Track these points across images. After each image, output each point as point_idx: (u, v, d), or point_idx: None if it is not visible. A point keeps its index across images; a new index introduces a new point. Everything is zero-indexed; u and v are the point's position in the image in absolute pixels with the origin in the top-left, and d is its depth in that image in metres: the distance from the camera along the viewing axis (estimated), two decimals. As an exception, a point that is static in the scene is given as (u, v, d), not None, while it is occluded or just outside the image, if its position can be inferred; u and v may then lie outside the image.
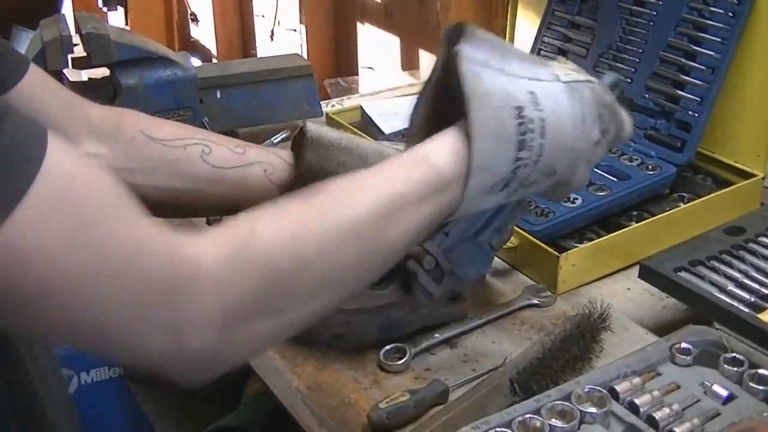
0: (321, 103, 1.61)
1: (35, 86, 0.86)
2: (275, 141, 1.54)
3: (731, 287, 0.97)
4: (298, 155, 0.94)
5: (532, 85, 0.74)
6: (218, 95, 1.48)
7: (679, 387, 0.84)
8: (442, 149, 0.71)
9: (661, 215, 1.16)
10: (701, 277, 0.99)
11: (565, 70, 0.79)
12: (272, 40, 3.02)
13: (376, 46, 2.45)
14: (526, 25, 1.59)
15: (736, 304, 0.94)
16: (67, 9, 3.32)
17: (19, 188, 0.51)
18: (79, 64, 1.38)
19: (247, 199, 0.93)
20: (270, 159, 0.95)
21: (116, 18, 3.20)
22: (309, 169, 0.92)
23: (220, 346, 0.57)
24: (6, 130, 0.51)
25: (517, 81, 0.73)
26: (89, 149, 0.91)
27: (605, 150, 0.82)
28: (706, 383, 0.83)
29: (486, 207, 0.75)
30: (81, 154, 0.59)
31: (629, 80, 1.34)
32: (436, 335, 0.97)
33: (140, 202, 0.94)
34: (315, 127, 0.94)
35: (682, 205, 1.19)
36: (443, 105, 0.77)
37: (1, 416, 0.73)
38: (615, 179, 1.22)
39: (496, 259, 1.14)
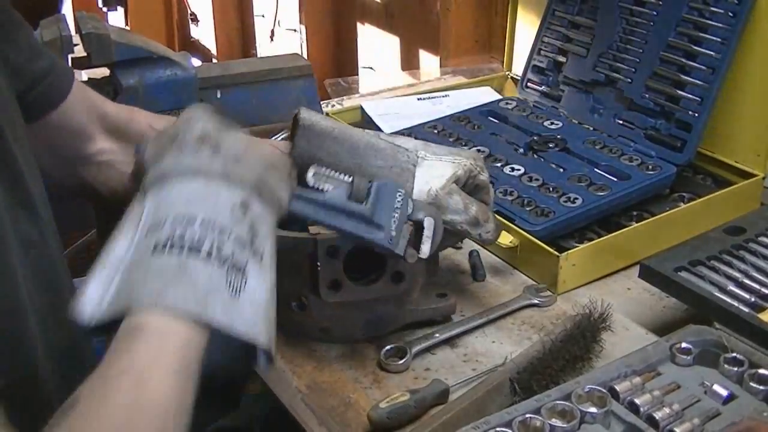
0: (321, 103, 1.61)
1: (77, 93, 0.93)
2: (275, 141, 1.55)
3: (731, 287, 0.97)
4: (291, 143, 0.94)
5: (142, 231, 0.68)
6: (218, 95, 1.48)
7: (679, 387, 0.84)
8: (141, 315, 0.64)
9: (661, 215, 1.16)
10: (701, 277, 0.99)
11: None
12: (272, 40, 3.02)
13: (376, 46, 2.45)
14: (526, 25, 1.60)
15: (736, 304, 0.94)
16: (67, 9, 3.32)
17: None
18: (79, 64, 1.38)
19: None
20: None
21: (116, 18, 3.20)
22: (300, 156, 0.93)
23: None
24: None
25: (131, 253, 0.67)
26: (103, 147, 0.97)
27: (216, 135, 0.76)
28: (706, 383, 0.83)
29: (266, 289, 0.70)
30: None
31: (629, 80, 1.34)
32: (437, 335, 0.97)
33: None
34: (309, 115, 0.95)
35: (682, 205, 1.20)
36: None
37: None
38: (615, 179, 1.22)
39: (496, 258, 1.15)
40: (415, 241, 0.87)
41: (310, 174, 0.85)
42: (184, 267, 0.65)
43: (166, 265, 0.65)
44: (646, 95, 1.31)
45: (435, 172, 0.95)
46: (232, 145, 0.75)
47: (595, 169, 1.25)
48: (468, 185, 0.98)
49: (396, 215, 0.85)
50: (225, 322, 0.64)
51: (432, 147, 0.99)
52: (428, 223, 0.87)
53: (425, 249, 0.87)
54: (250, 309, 0.67)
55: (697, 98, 1.24)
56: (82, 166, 0.96)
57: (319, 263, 0.91)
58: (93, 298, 0.65)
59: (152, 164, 0.73)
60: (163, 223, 0.68)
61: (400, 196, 0.87)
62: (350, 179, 0.86)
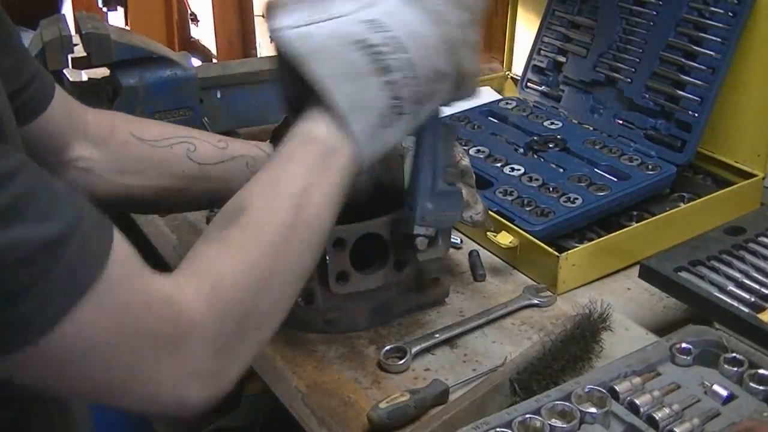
0: (321, 103, 1.61)
1: (58, 99, 0.92)
2: (275, 141, 1.55)
3: (731, 287, 0.97)
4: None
5: (368, 14, 0.74)
6: (218, 95, 1.48)
7: (679, 387, 0.84)
8: (315, 121, 0.72)
9: (661, 215, 1.16)
10: (701, 277, 0.99)
11: None
12: (272, 40, 3.01)
13: (376, 46, 2.45)
14: (526, 25, 1.60)
15: (736, 304, 0.94)
16: (67, 9, 3.32)
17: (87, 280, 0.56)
18: (79, 64, 1.38)
19: (232, 191, 0.97)
20: (252, 152, 1.00)
21: (116, 18, 3.20)
22: None
23: (216, 386, 0.64)
24: (82, 229, 0.57)
25: (347, 19, 0.73)
26: (82, 154, 0.95)
27: (473, 22, 0.80)
28: (706, 383, 0.83)
29: (397, 139, 0.76)
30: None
31: (629, 80, 1.34)
32: (437, 335, 0.98)
33: (131, 201, 0.97)
34: None
35: (682, 205, 1.19)
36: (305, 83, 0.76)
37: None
38: (615, 179, 1.22)
39: (496, 258, 1.15)
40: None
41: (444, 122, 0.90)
42: (368, 74, 0.71)
43: (358, 60, 0.71)
44: (646, 95, 1.31)
45: None
46: (477, 33, 0.80)
47: (595, 169, 1.25)
48: None
49: (441, 217, 0.90)
50: (358, 137, 0.71)
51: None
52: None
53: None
54: (377, 145, 0.74)
55: (697, 98, 1.24)
56: (63, 172, 0.95)
57: (327, 256, 0.92)
58: (294, 17, 0.72)
59: None
60: (385, 30, 0.73)
61: (454, 214, 0.93)
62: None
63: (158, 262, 1.23)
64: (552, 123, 1.39)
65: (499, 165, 1.27)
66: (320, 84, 0.71)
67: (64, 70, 1.41)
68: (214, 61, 3.22)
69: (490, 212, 1.13)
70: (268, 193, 0.71)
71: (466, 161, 1.03)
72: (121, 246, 0.61)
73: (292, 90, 0.77)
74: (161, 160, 0.97)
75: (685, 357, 0.86)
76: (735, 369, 0.84)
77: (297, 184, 0.70)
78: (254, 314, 0.66)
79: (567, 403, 0.79)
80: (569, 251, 1.07)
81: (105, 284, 0.57)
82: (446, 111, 0.91)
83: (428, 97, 0.76)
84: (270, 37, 0.74)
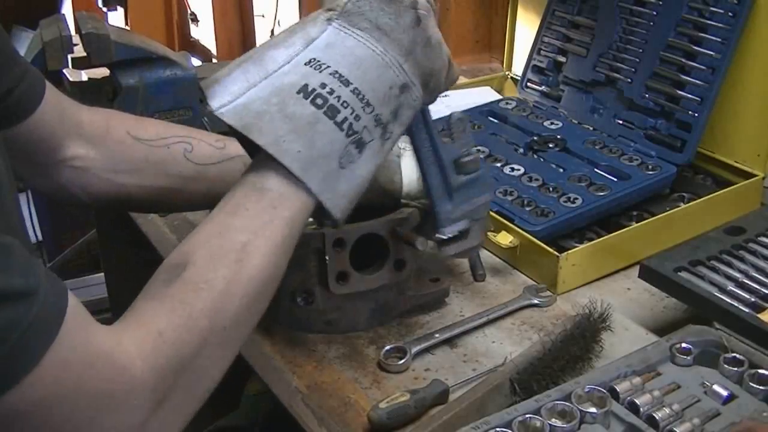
0: (321, 103, 1.61)
1: (50, 100, 0.90)
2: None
3: (731, 287, 0.97)
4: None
5: (307, 54, 0.73)
6: (218, 95, 1.48)
7: (679, 387, 0.84)
8: (266, 171, 0.71)
9: (661, 215, 1.16)
10: (701, 277, 0.99)
11: (335, 3, 0.76)
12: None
13: (376, 46, 2.45)
14: (526, 25, 1.60)
15: (736, 304, 0.94)
16: (67, 9, 3.32)
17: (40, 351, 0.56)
18: (79, 64, 1.38)
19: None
20: None
21: (116, 18, 3.20)
22: None
23: None
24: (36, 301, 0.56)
25: (285, 69, 0.72)
26: (77, 153, 0.94)
27: (431, 16, 0.78)
28: (706, 383, 0.83)
29: (370, 168, 0.75)
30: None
31: (629, 80, 1.34)
32: (437, 335, 0.98)
33: (127, 200, 0.97)
34: None
35: (682, 205, 1.19)
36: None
37: None
38: (615, 179, 1.22)
39: (496, 258, 1.15)
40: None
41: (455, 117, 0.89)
42: (314, 122, 0.70)
43: (301, 112, 0.70)
44: (646, 95, 1.31)
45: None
46: (431, 27, 0.77)
47: (595, 169, 1.25)
48: None
49: (469, 207, 0.89)
50: (316, 190, 0.71)
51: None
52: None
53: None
54: (346, 185, 0.73)
55: (697, 98, 1.24)
56: (57, 171, 0.94)
57: (327, 256, 0.92)
58: (230, 90, 0.71)
59: None
60: (323, 68, 0.72)
61: (485, 198, 0.91)
62: (474, 151, 0.89)
63: (158, 262, 1.23)
64: (552, 123, 1.39)
65: (499, 165, 1.27)
66: (268, 151, 0.70)
67: (64, 70, 1.41)
68: (214, 61, 3.22)
69: (490, 212, 1.13)
70: (211, 247, 0.69)
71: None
72: (71, 303, 0.60)
73: (248, 144, 0.76)
74: (158, 160, 0.96)
75: (685, 357, 0.86)
76: (735, 369, 0.84)
77: (240, 238, 0.69)
78: (195, 369, 0.66)
79: (567, 403, 0.79)
80: (569, 251, 1.07)
81: (56, 344, 0.57)
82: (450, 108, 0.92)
83: (393, 114, 0.75)
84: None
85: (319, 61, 0.72)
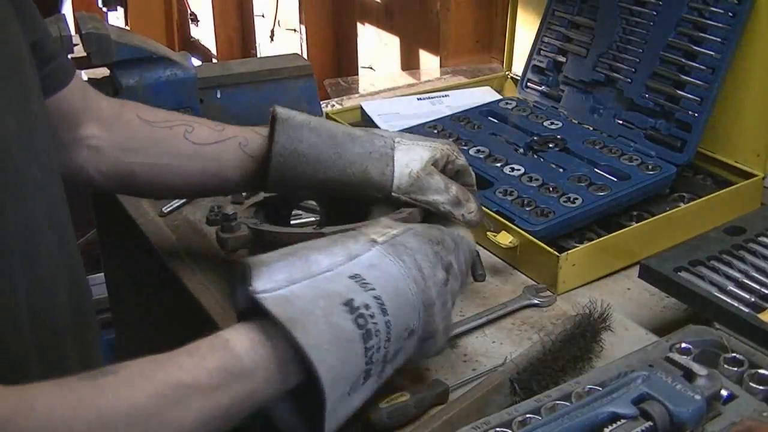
0: (321, 103, 1.61)
1: (77, 80, 0.99)
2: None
3: (731, 287, 0.97)
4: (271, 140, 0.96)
5: (351, 268, 0.71)
6: (218, 95, 1.48)
7: (679, 387, 0.83)
8: (244, 335, 0.67)
9: (661, 215, 1.16)
10: (701, 277, 0.99)
11: (380, 227, 0.77)
12: (272, 40, 3.02)
13: (376, 46, 2.45)
14: (526, 25, 1.60)
15: (736, 304, 0.94)
16: (67, 9, 3.32)
17: None
18: (79, 64, 1.38)
19: (225, 170, 1.02)
20: (246, 133, 1.02)
21: (116, 18, 3.20)
22: (281, 152, 0.95)
23: None
24: None
25: (330, 275, 0.70)
26: (93, 132, 1.02)
27: (460, 280, 0.81)
28: (706, 383, 0.83)
29: (356, 405, 0.71)
30: None
31: (629, 80, 1.34)
32: (436, 335, 0.97)
33: (133, 181, 1.03)
34: (284, 110, 0.97)
35: (682, 205, 1.19)
36: None
37: None
38: (615, 179, 1.22)
39: (496, 258, 1.15)
40: None
41: None
42: (352, 341, 0.67)
43: (344, 326, 0.67)
44: (646, 95, 1.31)
45: (413, 155, 0.96)
46: (454, 293, 0.80)
47: (595, 169, 1.25)
48: (447, 170, 0.99)
49: None
50: (329, 408, 0.66)
51: (406, 135, 1.01)
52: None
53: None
54: (343, 413, 0.69)
55: (697, 98, 1.24)
56: (76, 150, 1.01)
57: None
58: (274, 278, 0.68)
59: (408, 228, 0.77)
60: (368, 287, 0.70)
61: None
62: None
63: (158, 262, 1.23)
64: (552, 123, 1.39)
65: (499, 165, 1.27)
66: (308, 353, 0.65)
67: (64, 70, 1.41)
68: (214, 61, 3.22)
69: (490, 212, 1.13)
70: (147, 370, 0.63)
71: (462, 160, 1.00)
72: None
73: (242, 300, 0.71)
74: (159, 138, 1.02)
75: (685, 357, 0.86)
76: (735, 369, 0.83)
77: (181, 376, 0.63)
78: None
79: (567, 403, 0.79)
80: (569, 251, 1.07)
81: None
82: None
83: (395, 354, 0.73)
84: (246, 298, 0.68)
85: (363, 278, 0.70)
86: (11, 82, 0.79)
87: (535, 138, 1.34)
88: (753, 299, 0.95)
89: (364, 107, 1.56)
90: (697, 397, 0.72)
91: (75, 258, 0.89)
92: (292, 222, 1.16)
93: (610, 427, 0.70)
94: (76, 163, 1.01)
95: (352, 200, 1.10)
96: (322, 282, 0.69)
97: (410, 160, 0.96)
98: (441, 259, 0.77)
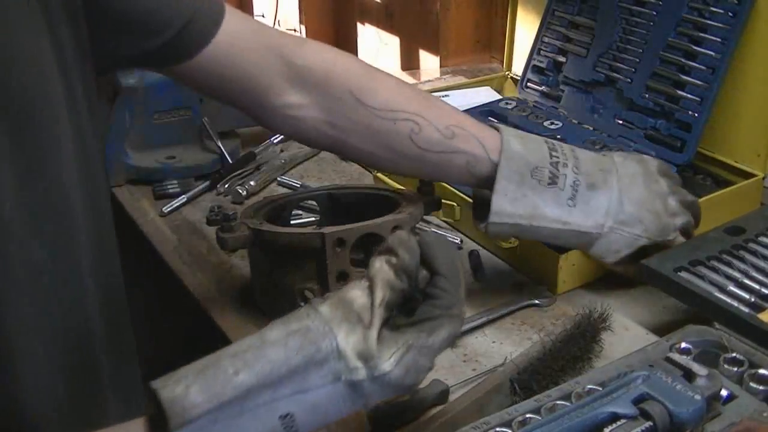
0: (321, 103, 1.60)
1: (231, 37, 0.87)
2: (275, 141, 1.55)
3: (731, 287, 0.97)
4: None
5: (288, 405, 0.60)
6: (218, 95, 1.47)
7: (679, 387, 0.83)
8: None
9: (661, 215, 1.15)
10: (701, 277, 0.99)
11: (361, 344, 0.63)
12: None
13: (376, 46, 2.45)
14: (526, 25, 1.60)
15: (736, 304, 0.94)
16: (67, 9, 3.31)
17: None
18: (79, 64, 1.38)
19: (444, 178, 1.04)
20: (475, 150, 0.93)
21: (116, 18, 3.19)
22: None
23: None
24: None
25: (262, 412, 0.59)
26: (292, 99, 0.92)
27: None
28: (706, 383, 0.83)
29: None
30: None
31: (629, 80, 1.34)
32: (436, 335, 0.97)
33: (342, 152, 1.01)
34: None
35: (682, 205, 1.19)
36: None
37: None
38: (615, 179, 1.21)
39: (496, 258, 1.15)
40: None
41: None
42: None
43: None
44: (646, 95, 1.31)
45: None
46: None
47: (595, 169, 1.25)
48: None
49: None
50: None
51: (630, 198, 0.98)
52: None
53: None
54: None
55: (697, 98, 1.24)
56: (272, 116, 0.93)
57: (327, 256, 0.92)
58: (192, 402, 0.58)
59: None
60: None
61: None
62: None
63: (158, 262, 1.23)
64: (552, 123, 1.39)
65: (499, 165, 1.27)
66: None
67: (64, 70, 1.40)
68: (214, 61, 3.22)
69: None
70: None
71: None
72: None
73: None
74: (381, 130, 0.92)
75: (685, 357, 0.86)
76: (735, 369, 0.83)
77: None
78: None
79: (567, 403, 0.79)
80: (569, 251, 1.07)
81: None
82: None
83: None
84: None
85: (292, 423, 0.60)
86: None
87: (535, 138, 1.34)
88: (753, 299, 0.95)
89: (364, 107, 1.56)
90: (697, 397, 0.72)
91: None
92: (292, 222, 1.17)
93: (610, 427, 0.70)
94: (271, 125, 0.95)
95: (353, 200, 1.11)
96: (249, 420, 0.59)
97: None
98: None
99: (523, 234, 0.97)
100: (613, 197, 0.96)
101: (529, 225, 0.94)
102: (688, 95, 1.25)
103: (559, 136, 1.33)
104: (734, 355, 0.84)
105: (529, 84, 1.53)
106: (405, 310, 0.67)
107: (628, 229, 0.97)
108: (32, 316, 0.71)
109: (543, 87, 1.50)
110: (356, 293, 0.65)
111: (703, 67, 1.24)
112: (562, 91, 1.46)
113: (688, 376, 0.77)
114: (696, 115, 1.24)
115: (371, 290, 0.65)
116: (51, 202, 0.71)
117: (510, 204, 0.93)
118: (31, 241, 0.69)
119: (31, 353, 0.71)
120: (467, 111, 1.45)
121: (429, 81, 1.90)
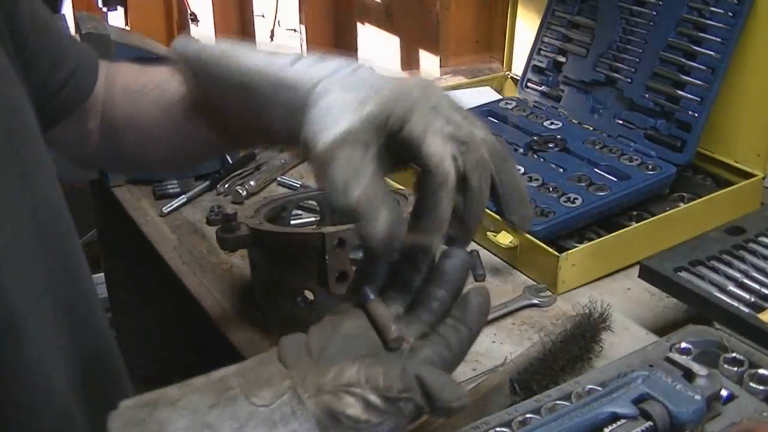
0: (321, 102, 1.60)
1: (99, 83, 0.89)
2: (275, 141, 1.54)
3: (731, 287, 0.97)
4: None
5: None
6: (218, 95, 1.48)
7: (679, 387, 0.83)
8: None
9: (661, 215, 1.16)
10: (701, 277, 0.99)
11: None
12: (272, 40, 3.01)
13: (376, 46, 2.45)
14: (526, 25, 1.60)
15: (736, 304, 0.94)
16: (67, 9, 3.32)
17: None
18: (79, 64, 1.38)
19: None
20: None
21: (116, 18, 3.19)
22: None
23: None
24: None
25: None
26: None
27: None
28: (706, 383, 0.83)
29: None
30: None
31: (629, 80, 1.34)
32: (436, 335, 0.97)
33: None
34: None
35: (682, 205, 1.19)
36: None
37: None
38: (615, 179, 1.22)
39: (496, 258, 1.15)
40: None
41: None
42: None
43: None
44: (646, 95, 1.31)
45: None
46: None
47: (595, 169, 1.25)
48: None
49: None
50: None
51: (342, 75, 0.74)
52: None
53: None
54: None
55: (697, 98, 1.24)
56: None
57: (327, 256, 0.92)
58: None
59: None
60: None
61: None
62: None
63: (158, 262, 1.23)
64: (552, 123, 1.39)
65: (499, 165, 1.27)
66: None
67: (64, 70, 1.40)
68: (214, 61, 3.21)
69: (490, 212, 1.13)
70: None
71: (415, 130, 0.83)
72: None
73: None
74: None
75: (685, 357, 0.86)
76: (735, 369, 0.83)
77: None
78: None
79: (567, 403, 0.79)
80: (569, 251, 1.07)
81: None
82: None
83: None
84: None
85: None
86: None
87: (535, 138, 1.34)
88: (753, 299, 0.95)
89: (364, 107, 1.56)
90: (697, 397, 0.72)
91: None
92: (292, 222, 1.17)
93: (610, 427, 0.70)
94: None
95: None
96: None
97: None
98: None
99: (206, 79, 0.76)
100: (346, 70, 0.73)
101: (216, 60, 0.74)
102: (688, 95, 1.26)
103: (559, 136, 1.34)
104: (734, 355, 0.84)
105: (529, 84, 1.53)
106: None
107: (354, 92, 0.68)
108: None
109: (543, 87, 1.50)
110: (350, 400, 0.57)
111: (703, 67, 1.24)
112: (562, 91, 1.46)
113: (688, 376, 0.77)
114: (696, 115, 1.24)
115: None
116: None
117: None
118: None
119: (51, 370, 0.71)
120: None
121: (429, 81, 1.90)
